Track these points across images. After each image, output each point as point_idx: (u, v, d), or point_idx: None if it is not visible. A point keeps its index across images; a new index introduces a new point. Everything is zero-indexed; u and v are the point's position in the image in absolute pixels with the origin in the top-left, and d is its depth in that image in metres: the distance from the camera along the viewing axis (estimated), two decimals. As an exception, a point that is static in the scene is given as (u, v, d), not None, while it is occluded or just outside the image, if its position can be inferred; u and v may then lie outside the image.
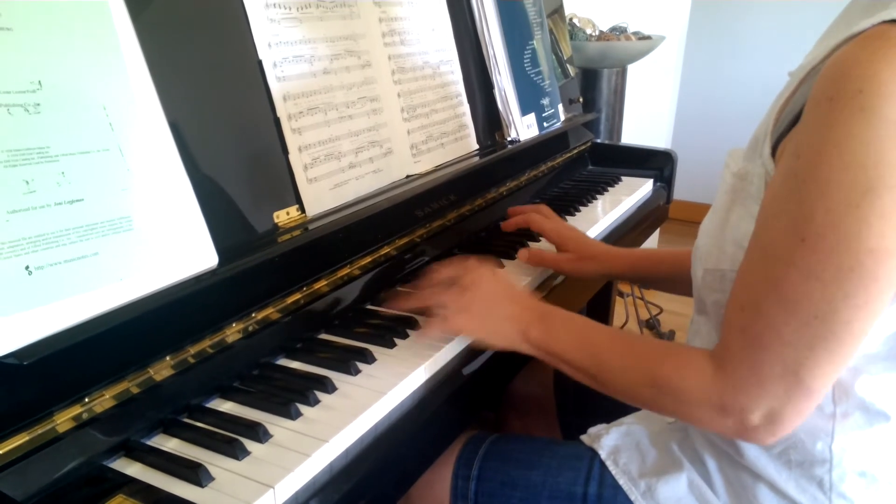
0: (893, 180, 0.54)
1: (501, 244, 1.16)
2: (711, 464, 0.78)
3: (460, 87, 1.26)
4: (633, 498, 0.80)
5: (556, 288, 1.09)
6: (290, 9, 0.91)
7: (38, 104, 0.62)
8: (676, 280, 1.02)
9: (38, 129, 0.61)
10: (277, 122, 0.88)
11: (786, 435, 0.66)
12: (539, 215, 1.12)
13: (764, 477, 0.73)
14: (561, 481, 0.84)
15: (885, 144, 0.53)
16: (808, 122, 0.59)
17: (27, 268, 0.58)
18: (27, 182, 0.59)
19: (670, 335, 2.51)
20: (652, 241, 3.12)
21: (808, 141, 0.58)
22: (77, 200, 0.63)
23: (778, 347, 0.61)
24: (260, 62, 0.87)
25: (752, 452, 0.73)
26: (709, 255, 0.75)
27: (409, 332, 0.88)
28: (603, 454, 0.85)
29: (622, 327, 2.50)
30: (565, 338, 0.80)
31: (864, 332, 0.59)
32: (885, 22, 0.56)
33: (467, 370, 0.85)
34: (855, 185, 0.54)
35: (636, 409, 0.94)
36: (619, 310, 2.51)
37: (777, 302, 0.60)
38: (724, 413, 0.66)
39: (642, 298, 2.58)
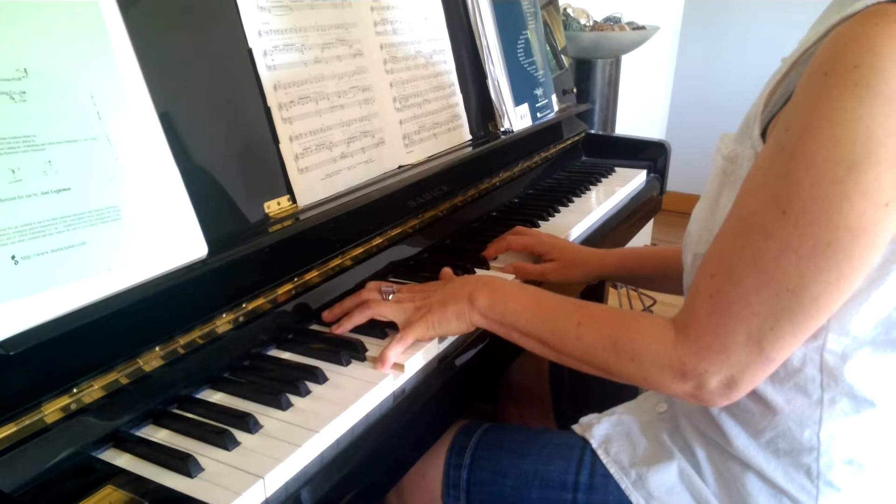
0: (879, 157, 0.53)
1: (494, 236, 1.16)
2: (701, 453, 0.79)
3: (453, 77, 1.25)
4: (623, 486, 0.80)
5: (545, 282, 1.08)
6: (280, -3, 0.90)
7: (24, 92, 0.61)
8: (665, 278, 1.03)
9: (23, 118, 0.60)
10: (268, 111, 0.87)
11: (735, 401, 0.67)
12: (515, 235, 1.11)
13: (752, 466, 0.73)
14: (552, 470, 0.84)
15: (876, 120, 0.53)
16: (800, 95, 0.59)
17: (13, 257, 0.58)
18: (13, 171, 0.59)
19: (663, 326, 2.51)
20: (645, 232, 3.12)
21: (799, 114, 0.58)
22: (64, 189, 0.62)
23: (746, 316, 0.61)
24: (250, 50, 0.86)
25: (741, 441, 0.74)
26: (699, 239, 0.76)
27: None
28: (594, 443, 0.85)
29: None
30: (516, 304, 0.79)
31: (830, 310, 0.60)
32: (878, 3, 0.55)
33: (459, 360, 0.85)
34: (841, 159, 0.54)
35: (629, 399, 0.94)
36: (613, 301, 2.51)
37: (751, 272, 0.60)
38: (684, 378, 0.66)
39: (636, 290, 2.58)
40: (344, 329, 0.84)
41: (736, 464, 0.75)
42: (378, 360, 0.78)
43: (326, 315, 0.88)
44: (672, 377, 0.67)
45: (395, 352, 0.78)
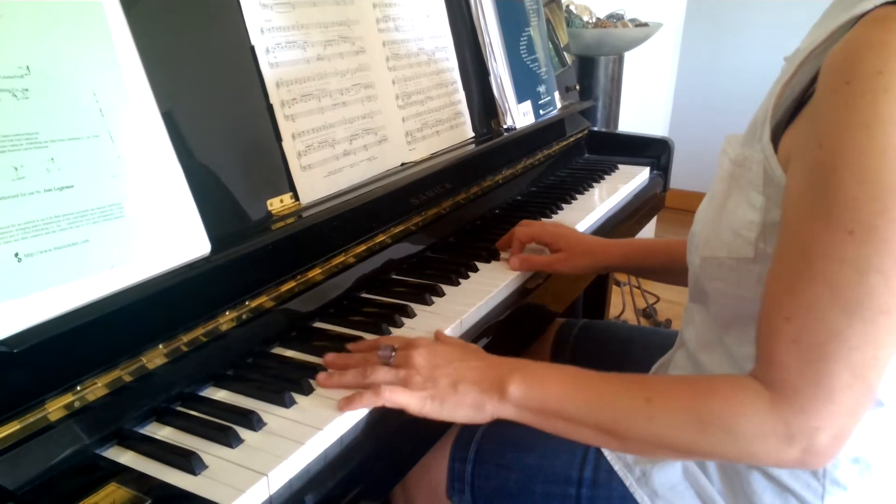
0: None
1: (497, 233, 1.16)
2: None
3: (456, 75, 1.25)
4: (627, 483, 0.80)
5: (549, 278, 1.08)
6: (282, -6, 0.90)
7: (27, 89, 0.61)
8: (671, 270, 1.02)
9: (26, 115, 0.60)
10: (270, 108, 0.87)
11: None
12: (522, 228, 1.10)
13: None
14: (556, 465, 0.84)
15: None
16: (825, 108, 0.57)
17: (16, 255, 0.58)
18: (16, 168, 0.59)
19: (667, 324, 2.51)
20: (649, 230, 3.12)
21: (830, 127, 0.55)
22: (67, 187, 0.62)
23: (845, 353, 0.55)
24: (252, 48, 0.86)
25: None
26: (706, 243, 0.75)
27: (403, 319, 0.88)
28: (598, 442, 0.85)
29: (618, 317, 2.51)
30: (558, 388, 0.68)
31: None
32: (885, 3, 0.55)
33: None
34: (894, 167, 0.52)
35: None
36: (616, 299, 2.51)
37: (834, 303, 0.55)
38: (791, 441, 0.59)
39: (639, 287, 2.58)
40: (349, 409, 0.69)
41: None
42: (340, 401, 0.69)
43: (329, 361, 0.77)
44: (778, 444, 0.59)
45: (364, 401, 0.69)
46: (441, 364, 0.72)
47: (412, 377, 0.71)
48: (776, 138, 0.65)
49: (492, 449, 0.88)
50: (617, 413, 0.65)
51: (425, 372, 0.71)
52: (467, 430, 0.91)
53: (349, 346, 0.80)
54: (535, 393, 0.68)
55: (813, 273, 0.56)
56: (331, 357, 0.77)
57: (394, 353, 0.74)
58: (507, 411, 0.70)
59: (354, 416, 0.70)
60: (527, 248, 1.10)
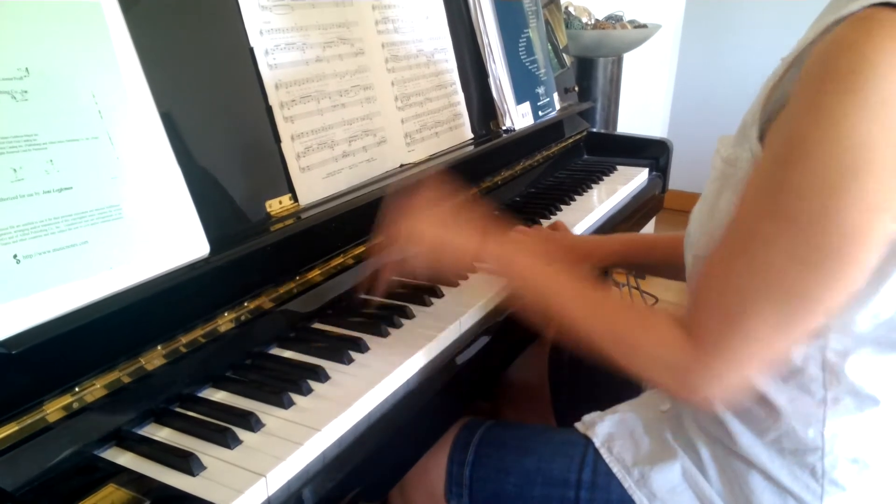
0: (875, 164, 0.54)
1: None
2: (705, 452, 0.78)
3: (455, 76, 1.25)
4: (626, 485, 0.80)
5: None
6: (281, -5, 0.90)
7: (26, 91, 0.61)
8: (672, 265, 1.01)
9: (25, 117, 0.60)
10: (269, 110, 0.87)
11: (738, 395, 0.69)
12: (517, 234, 1.10)
13: (757, 464, 0.73)
14: (555, 468, 0.84)
15: (873, 127, 0.53)
16: (797, 102, 0.59)
17: (15, 256, 0.58)
18: (15, 170, 0.59)
19: (666, 325, 2.51)
20: (647, 231, 3.12)
21: (796, 121, 0.58)
22: (66, 189, 0.62)
23: (756, 325, 0.61)
24: (251, 49, 0.86)
25: (745, 440, 0.74)
26: (698, 241, 0.75)
27: (402, 321, 0.88)
28: (597, 442, 0.85)
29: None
30: (527, 262, 0.80)
31: (835, 312, 0.62)
32: (873, 5, 0.55)
33: (461, 359, 0.85)
34: (839, 167, 0.55)
35: (631, 398, 0.94)
36: (615, 300, 2.51)
37: (757, 280, 0.61)
38: (685, 381, 0.67)
39: (638, 288, 2.58)
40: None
41: (740, 462, 0.75)
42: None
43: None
44: (672, 380, 0.68)
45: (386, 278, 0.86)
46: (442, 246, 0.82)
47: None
48: (764, 138, 0.66)
49: (490, 452, 0.88)
50: (564, 306, 0.75)
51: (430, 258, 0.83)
52: (465, 433, 0.91)
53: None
54: (507, 255, 0.81)
55: (746, 249, 0.62)
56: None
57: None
58: (484, 256, 0.82)
59: (353, 418, 0.70)
60: None
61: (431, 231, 0.83)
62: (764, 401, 0.71)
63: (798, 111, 0.58)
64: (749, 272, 0.61)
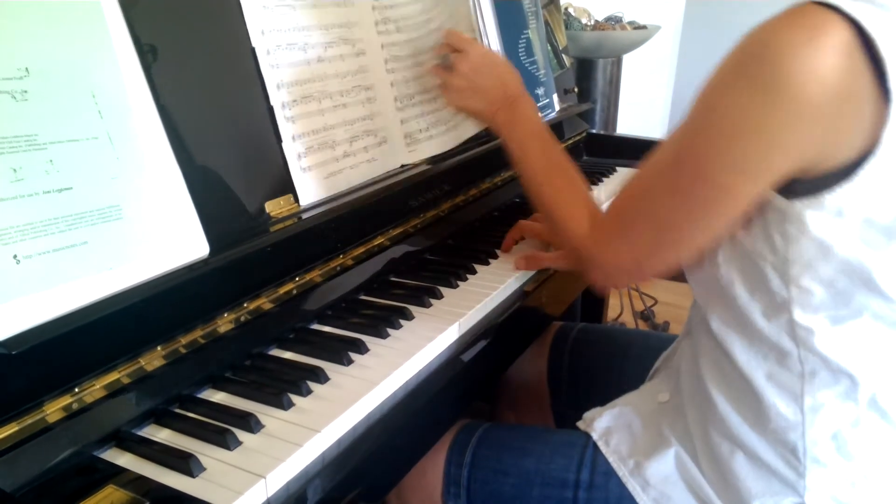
0: (746, 131, 0.61)
1: (496, 235, 1.16)
2: (698, 440, 0.79)
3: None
4: (620, 474, 0.81)
5: (546, 281, 1.08)
6: (282, -4, 0.90)
7: (26, 91, 0.61)
8: None
9: (25, 117, 0.60)
10: (270, 110, 0.87)
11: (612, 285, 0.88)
12: (527, 220, 1.12)
13: (741, 446, 0.74)
14: (553, 468, 0.84)
15: (753, 99, 0.60)
16: (717, 68, 0.65)
17: (15, 256, 0.58)
18: (15, 170, 0.59)
19: (665, 326, 2.51)
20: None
21: (705, 86, 0.66)
22: (66, 189, 0.62)
23: (634, 236, 0.76)
24: (253, 49, 0.86)
25: (733, 419, 0.75)
26: None
27: (402, 322, 0.88)
28: (595, 436, 0.85)
29: (617, 318, 2.51)
30: (523, 136, 0.97)
31: (701, 245, 0.72)
32: (813, 3, 0.58)
33: (460, 360, 0.85)
34: (721, 129, 0.64)
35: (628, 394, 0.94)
36: (614, 301, 2.51)
37: (647, 204, 0.74)
38: (579, 252, 0.84)
39: (637, 290, 2.58)
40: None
41: (727, 444, 0.75)
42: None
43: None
44: (584, 251, 0.83)
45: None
46: (483, 72, 1.03)
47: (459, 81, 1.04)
48: None
49: (488, 453, 0.88)
50: (526, 171, 0.95)
51: (470, 74, 1.03)
52: (464, 435, 0.91)
53: None
54: (510, 127, 0.99)
55: (648, 173, 0.75)
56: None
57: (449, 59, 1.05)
58: (496, 127, 1.01)
59: (352, 419, 0.70)
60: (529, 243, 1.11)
61: (487, 61, 1.04)
62: (746, 378, 0.72)
63: (709, 77, 0.66)
64: (643, 193, 0.75)
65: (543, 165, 0.94)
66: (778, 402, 0.71)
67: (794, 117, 0.59)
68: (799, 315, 0.67)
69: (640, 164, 0.77)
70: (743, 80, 0.61)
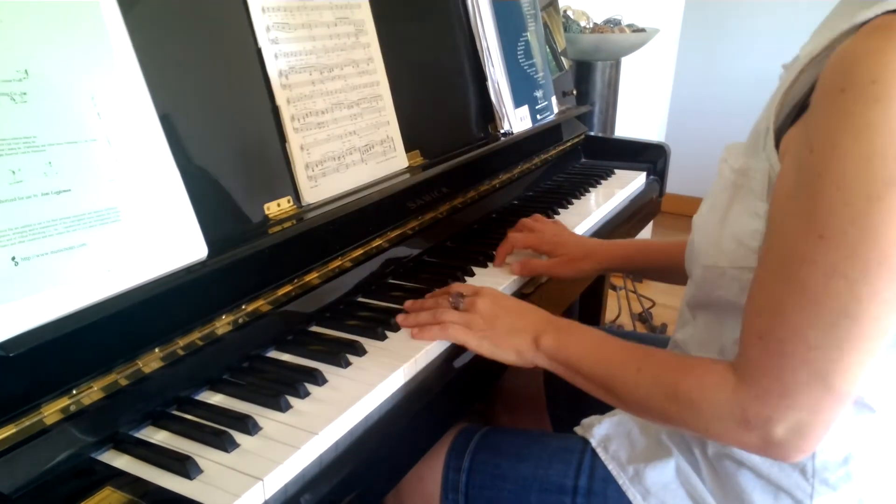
0: None
1: (495, 237, 1.16)
2: (698, 451, 0.79)
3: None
4: (620, 482, 0.81)
5: (544, 284, 1.08)
6: (283, -2, 0.90)
7: (25, 93, 0.61)
8: (671, 271, 1.02)
9: (24, 119, 0.60)
10: (273, 112, 0.87)
11: (811, 452, 0.64)
12: (517, 234, 1.10)
13: (747, 464, 0.73)
14: (551, 474, 0.84)
15: None
16: (818, 114, 0.57)
17: (13, 258, 0.58)
18: (13, 172, 0.59)
19: (662, 328, 2.51)
20: (644, 235, 3.12)
21: (822, 133, 0.56)
22: (64, 191, 0.62)
23: (803, 352, 0.58)
24: (259, 51, 0.86)
25: None
26: (706, 252, 0.75)
27: (400, 324, 0.88)
28: (594, 442, 0.85)
29: (615, 321, 2.51)
30: (579, 348, 0.78)
31: (892, 328, 0.58)
32: (887, 12, 0.55)
33: (458, 363, 0.85)
34: (874, 176, 0.53)
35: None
36: (612, 303, 2.52)
37: (799, 304, 0.58)
38: (747, 426, 0.63)
39: (635, 292, 2.58)
40: (420, 338, 0.84)
41: (731, 462, 0.75)
42: (416, 327, 0.84)
43: (408, 306, 0.91)
44: (735, 426, 0.64)
45: (432, 334, 0.83)
46: (500, 314, 0.84)
47: (475, 320, 0.84)
48: (780, 146, 0.65)
49: (486, 458, 0.88)
50: (616, 377, 0.74)
51: (487, 317, 0.84)
52: (462, 439, 0.91)
53: (427, 295, 0.92)
54: (561, 350, 0.79)
55: (787, 272, 0.59)
56: (409, 302, 0.92)
57: (462, 299, 0.86)
58: (541, 360, 0.81)
59: (350, 422, 0.70)
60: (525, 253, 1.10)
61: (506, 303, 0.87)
62: None
63: (823, 122, 0.57)
64: (791, 296, 0.58)
65: (622, 358, 0.75)
66: None
67: None
68: None
69: (755, 279, 0.63)
70: (881, 117, 0.53)
